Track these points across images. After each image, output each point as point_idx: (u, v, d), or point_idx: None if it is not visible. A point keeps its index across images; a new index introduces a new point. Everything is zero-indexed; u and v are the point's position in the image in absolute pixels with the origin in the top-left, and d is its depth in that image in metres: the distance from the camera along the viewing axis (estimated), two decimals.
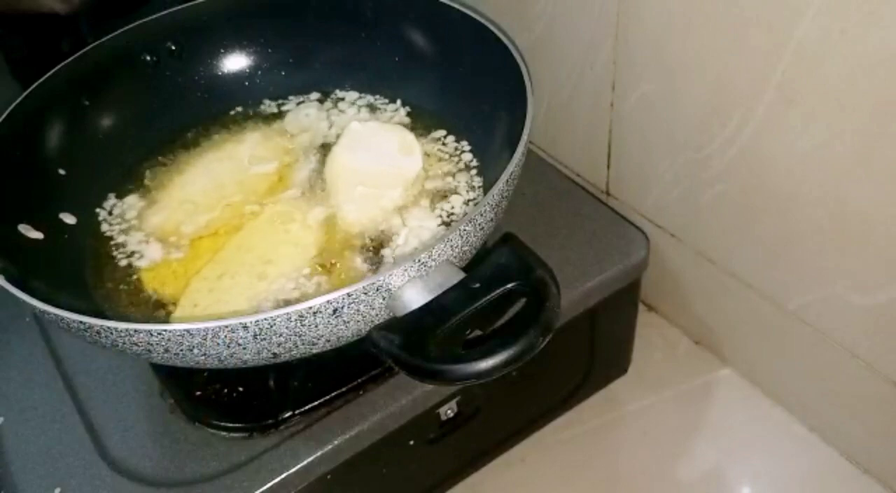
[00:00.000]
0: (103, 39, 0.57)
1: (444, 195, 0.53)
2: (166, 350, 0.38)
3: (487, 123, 0.53)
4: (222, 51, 0.61)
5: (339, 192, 0.53)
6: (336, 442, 0.46)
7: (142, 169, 0.58)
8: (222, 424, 0.47)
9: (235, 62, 0.62)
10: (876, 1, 0.37)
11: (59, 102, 0.55)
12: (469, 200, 0.52)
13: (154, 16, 0.58)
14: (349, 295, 0.37)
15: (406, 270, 0.38)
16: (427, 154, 0.55)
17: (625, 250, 0.54)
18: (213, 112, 0.61)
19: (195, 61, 0.61)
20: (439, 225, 0.51)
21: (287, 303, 0.45)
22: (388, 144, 0.55)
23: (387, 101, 0.60)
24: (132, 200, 0.55)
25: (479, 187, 0.53)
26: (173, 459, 0.46)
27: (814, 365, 0.53)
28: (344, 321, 0.38)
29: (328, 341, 0.40)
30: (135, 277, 0.50)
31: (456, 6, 0.54)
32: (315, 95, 0.61)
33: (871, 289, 0.46)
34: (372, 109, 0.60)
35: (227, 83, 0.61)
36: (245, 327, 0.37)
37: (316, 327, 0.38)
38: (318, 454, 0.45)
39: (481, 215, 0.41)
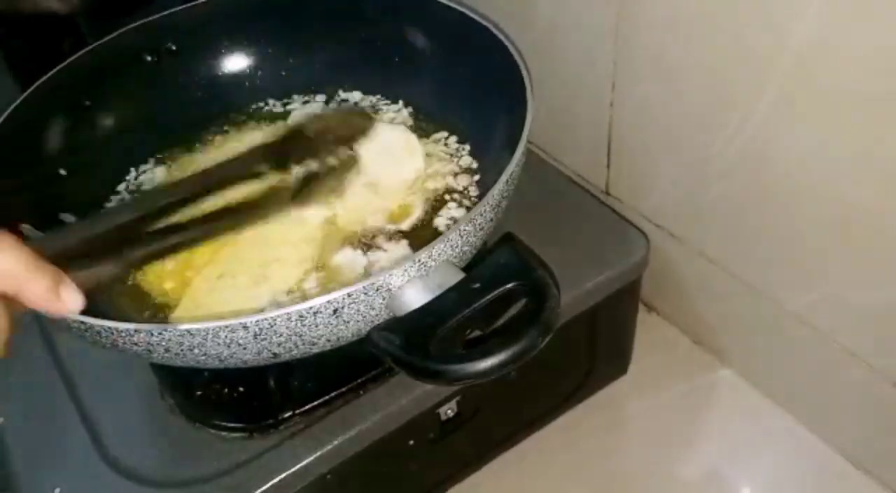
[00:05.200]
0: (103, 39, 0.57)
1: (444, 195, 0.53)
2: (166, 350, 0.38)
3: (488, 123, 0.53)
4: (222, 51, 0.61)
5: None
6: (336, 442, 0.46)
7: (142, 169, 0.58)
8: (222, 424, 0.47)
9: (235, 62, 0.62)
10: (875, 1, 0.37)
11: (59, 101, 0.55)
12: (469, 200, 0.52)
13: (154, 16, 0.58)
14: (349, 295, 0.37)
15: (406, 270, 0.38)
16: (428, 154, 0.55)
17: (625, 250, 0.54)
18: (214, 112, 0.61)
19: (195, 61, 0.61)
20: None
21: (287, 303, 0.45)
22: (389, 144, 0.55)
23: (389, 101, 0.60)
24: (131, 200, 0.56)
25: (478, 187, 0.53)
26: (173, 459, 0.46)
27: (814, 365, 0.53)
28: (344, 321, 0.38)
29: (328, 341, 0.40)
30: (135, 276, 0.50)
31: (456, 6, 0.54)
32: (319, 96, 0.61)
33: (871, 289, 0.46)
34: (374, 109, 0.60)
35: (227, 83, 0.61)
36: (245, 327, 0.37)
37: (316, 327, 0.38)
38: (318, 454, 0.45)
39: (481, 215, 0.41)
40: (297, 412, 0.47)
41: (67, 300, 0.33)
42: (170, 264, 0.50)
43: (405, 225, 0.51)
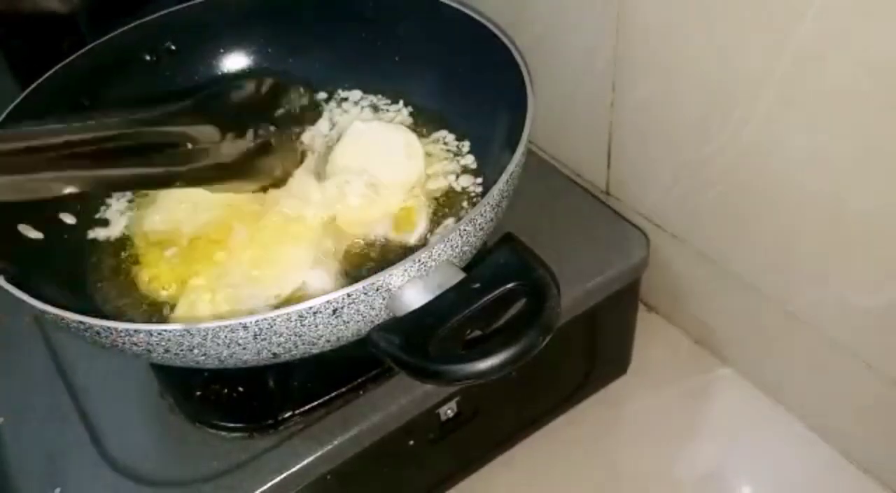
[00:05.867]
0: (103, 39, 0.57)
1: (445, 195, 0.53)
2: (166, 350, 0.38)
3: (488, 123, 0.53)
4: (222, 51, 0.61)
5: (340, 192, 0.53)
6: (336, 442, 0.46)
7: None
8: (222, 424, 0.47)
9: (235, 62, 0.62)
10: (875, 1, 0.37)
11: (58, 101, 0.55)
12: (469, 200, 0.52)
13: (154, 16, 0.58)
14: (349, 295, 0.37)
15: (406, 270, 0.38)
16: (428, 154, 0.55)
17: (625, 250, 0.54)
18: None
19: (195, 61, 0.61)
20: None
21: (287, 303, 0.45)
22: (390, 144, 0.55)
23: (389, 101, 0.60)
24: (131, 199, 0.56)
25: (479, 187, 0.53)
26: (173, 459, 0.46)
27: (814, 365, 0.53)
28: (344, 321, 0.38)
29: (328, 341, 0.40)
30: (134, 276, 0.50)
31: (456, 6, 0.54)
32: (320, 95, 0.61)
33: (871, 289, 0.46)
34: (375, 109, 0.60)
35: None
36: (245, 327, 0.37)
37: (316, 327, 0.38)
38: (318, 454, 0.45)
39: (481, 215, 0.41)
40: (297, 412, 0.47)
41: None
42: (169, 264, 0.50)
43: (412, 238, 0.51)
